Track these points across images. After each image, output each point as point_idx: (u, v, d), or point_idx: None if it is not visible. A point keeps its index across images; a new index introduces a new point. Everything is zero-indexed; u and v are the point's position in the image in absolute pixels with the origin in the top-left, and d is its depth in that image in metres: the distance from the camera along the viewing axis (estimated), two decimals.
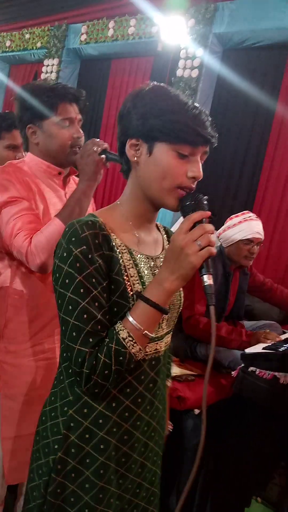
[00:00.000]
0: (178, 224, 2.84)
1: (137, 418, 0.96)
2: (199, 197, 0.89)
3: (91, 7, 4.95)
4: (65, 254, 0.86)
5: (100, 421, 0.92)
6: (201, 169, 0.90)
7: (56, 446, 0.93)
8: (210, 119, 0.89)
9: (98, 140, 1.35)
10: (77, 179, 1.59)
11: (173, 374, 1.38)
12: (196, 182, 0.90)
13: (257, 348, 1.91)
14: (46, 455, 0.95)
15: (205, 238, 0.82)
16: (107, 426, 0.92)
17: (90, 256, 0.85)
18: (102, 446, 0.92)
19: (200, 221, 0.84)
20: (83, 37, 5.06)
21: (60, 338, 0.95)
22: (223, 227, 2.36)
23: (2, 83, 6.30)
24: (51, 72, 5.37)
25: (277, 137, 3.82)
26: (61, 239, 0.89)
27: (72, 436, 0.92)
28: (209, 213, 0.87)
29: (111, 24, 4.79)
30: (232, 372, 1.94)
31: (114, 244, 0.90)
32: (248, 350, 1.89)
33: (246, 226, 2.25)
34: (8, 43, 5.94)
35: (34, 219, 1.31)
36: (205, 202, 0.89)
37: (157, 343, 0.96)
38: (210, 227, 0.84)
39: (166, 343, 1.01)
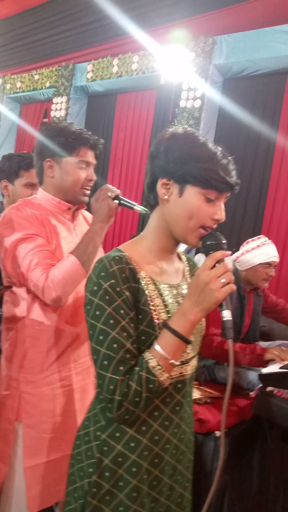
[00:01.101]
0: (197, 259, 2.92)
1: (166, 441, 1.00)
2: (220, 237, 0.98)
3: (96, 47, 5.20)
4: (95, 288, 0.93)
5: (132, 444, 0.97)
6: (223, 212, 0.99)
7: (90, 470, 0.98)
8: (235, 168, 0.98)
9: (111, 186, 1.47)
10: (85, 212, 1.69)
11: (192, 398, 1.44)
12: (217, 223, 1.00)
13: (274, 368, 1.96)
14: (81, 478, 1.00)
15: (228, 276, 0.90)
16: (138, 449, 0.97)
17: (118, 289, 0.92)
18: (134, 469, 0.96)
19: (221, 259, 0.93)
20: (89, 75, 5.30)
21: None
22: (240, 251, 2.44)
23: (13, 123, 6.57)
24: (60, 109, 5.60)
25: (280, 162, 3.94)
26: (92, 274, 0.96)
27: (105, 459, 0.97)
28: (229, 253, 0.97)
29: (115, 61, 5.02)
30: (251, 393, 1.98)
31: (139, 276, 0.97)
32: (265, 370, 1.94)
33: (264, 250, 2.35)
34: (18, 85, 6.23)
35: (49, 255, 1.41)
36: (224, 241, 0.98)
37: (182, 367, 1.01)
38: (230, 266, 0.92)
39: (192, 366, 1.06)
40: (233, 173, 0.97)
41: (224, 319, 0.93)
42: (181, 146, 0.97)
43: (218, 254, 0.93)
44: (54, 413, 1.50)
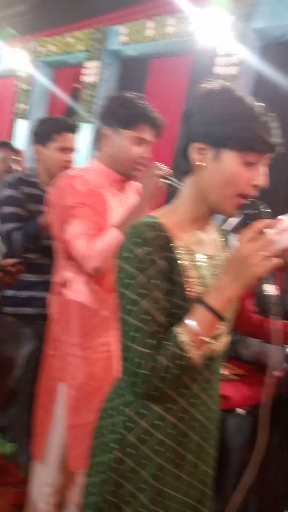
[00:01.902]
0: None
1: (193, 419, 0.98)
2: (261, 205, 0.90)
3: (130, 9, 5.00)
4: (127, 254, 0.88)
5: (157, 422, 0.94)
6: (266, 177, 0.91)
7: (113, 445, 0.97)
8: (277, 125, 0.89)
9: (161, 165, 1.46)
10: (137, 184, 1.68)
11: None
12: (257, 190, 0.91)
13: None
14: (103, 452, 1.00)
15: (270, 249, 0.83)
16: (164, 427, 0.94)
17: (151, 257, 0.87)
18: (159, 448, 0.94)
19: (262, 230, 0.85)
20: (123, 38, 5.13)
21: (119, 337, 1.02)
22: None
23: (46, 88, 6.48)
24: (93, 74, 5.48)
25: None
26: (124, 239, 0.91)
27: (129, 435, 0.95)
28: (273, 222, 0.89)
29: (150, 24, 4.82)
30: (277, 372, 1.97)
31: (174, 245, 0.91)
32: None
33: None
34: (51, 48, 6.10)
35: (95, 226, 1.44)
36: (266, 210, 0.89)
37: (213, 343, 0.96)
38: (274, 237, 0.84)
39: (223, 343, 1.02)
40: (274, 131, 0.88)
41: (268, 293, 0.86)
42: (216, 104, 0.89)
43: (259, 224, 0.85)
44: (95, 377, 1.55)
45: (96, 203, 1.48)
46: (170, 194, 1.63)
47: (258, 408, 2.02)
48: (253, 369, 2.13)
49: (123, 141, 1.48)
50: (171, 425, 0.96)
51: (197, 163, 0.92)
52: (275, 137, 0.89)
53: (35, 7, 5.99)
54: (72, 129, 1.98)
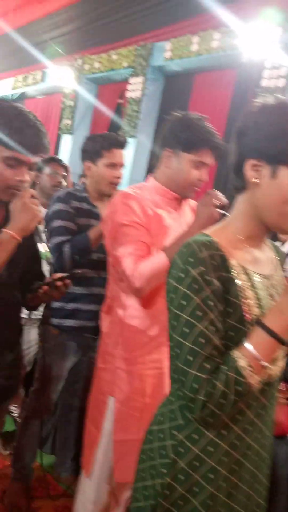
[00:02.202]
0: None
1: (247, 447, 0.93)
2: None
3: (175, 25, 5.04)
4: (182, 275, 0.85)
5: (211, 448, 0.89)
6: None
7: (164, 470, 0.92)
8: None
9: (220, 194, 1.43)
10: (191, 202, 1.67)
11: None
12: None
13: None
14: (152, 477, 0.95)
15: None
16: (217, 454, 0.89)
17: (208, 277, 0.84)
18: (211, 476, 0.90)
19: None
20: (168, 54, 5.18)
21: (170, 359, 0.97)
22: None
23: (90, 104, 6.63)
24: (136, 90, 5.55)
25: None
26: (177, 259, 0.88)
27: (181, 462, 0.91)
28: None
29: (195, 39, 4.84)
30: None
31: (230, 264, 0.88)
32: None
33: None
34: (96, 65, 6.25)
35: (145, 247, 1.44)
36: None
37: (271, 369, 0.92)
38: None
39: (279, 367, 0.97)
40: None
41: None
42: (272, 120, 0.85)
43: None
44: (144, 393, 1.51)
45: (150, 222, 1.48)
46: None
47: None
48: None
49: (183, 164, 1.48)
50: (224, 452, 0.91)
51: (252, 180, 0.89)
52: None
53: (81, 27, 6.18)
54: (121, 145, 1.99)
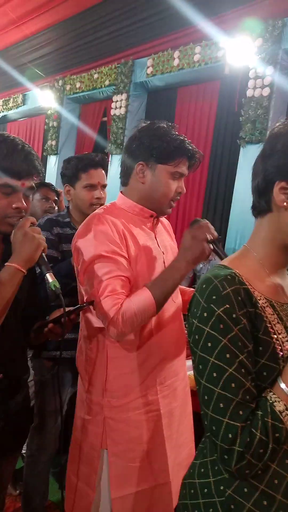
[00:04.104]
0: None
1: None
2: None
3: (156, 41, 5.06)
4: (206, 314, 0.79)
5: (265, 502, 0.80)
6: None
7: None
8: None
9: (212, 227, 1.32)
10: (164, 220, 1.57)
11: None
12: None
13: None
14: None
15: None
16: (272, 507, 0.80)
17: (234, 315, 0.78)
18: None
19: None
20: (149, 70, 5.17)
21: (200, 405, 0.88)
22: None
23: (73, 124, 6.60)
24: (120, 107, 5.52)
25: None
26: (198, 297, 0.82)
27: None
28: None
29: (176, 54, 4.85)
30: None
31: (255, 298, 0.82)
32: None
33: None
34: (78, 85, 6.23)
35: (125, 284, 1.30)
36: None
37: None
38: None
39: None
40: None
41: None
42: None
43: None
44: (142, 440, 1.38)
45: (128, 244, 1.35)
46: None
47: None
48: None
49: (160, 177, 1.36)
50: (281, 505, 0.80)
51: (283, 204, 0.83)
52: None
53: (61, 48, 6.17)
54: (98, 164, 1.90)
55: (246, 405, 0.76)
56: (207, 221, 1.33)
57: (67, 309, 1.22)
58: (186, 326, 0.87)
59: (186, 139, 1.38)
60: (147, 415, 1.38)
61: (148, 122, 1.45)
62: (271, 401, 0.76)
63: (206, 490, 0.86)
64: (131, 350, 1.36)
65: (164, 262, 1.42)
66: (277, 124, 0.86)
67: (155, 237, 1.45)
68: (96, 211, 1.44)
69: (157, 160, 1.36)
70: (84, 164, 1.89)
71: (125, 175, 1.45)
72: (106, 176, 2.00)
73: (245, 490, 0.81)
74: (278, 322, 0.83)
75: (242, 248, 0.92)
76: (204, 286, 0.81)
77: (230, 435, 0.75)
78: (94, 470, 1.39)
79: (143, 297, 1.26)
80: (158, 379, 1.40)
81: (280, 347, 0.80)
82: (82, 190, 1.90)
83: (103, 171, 1.95)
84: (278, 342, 0.80)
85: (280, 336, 0.81)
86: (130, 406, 1.37)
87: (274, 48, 4.02)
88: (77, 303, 1.74)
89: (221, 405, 0.76)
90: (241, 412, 0.75)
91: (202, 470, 0.88)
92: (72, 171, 1.91)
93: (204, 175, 4.85)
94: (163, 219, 1.58)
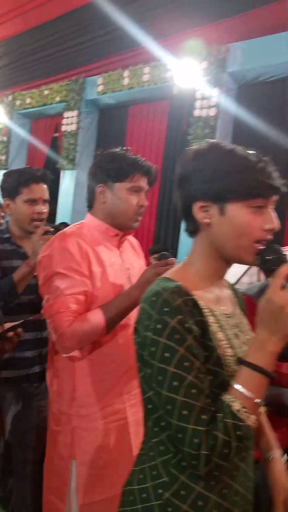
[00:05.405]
0: (232, 274, 2.78)
1: (234, 493, 0.88)
2: (279, 249, 0.86)
3: (106, 59, 5.17)
4: (159, 326, 0.81)
5: (200, 503, 0.84)
6: (276, 219, 0.88)
7: None
8: (276, 167, 0.88)
9: (171, 256, 1.37)
10: (132, 239, 1.63)
11: None
12: (272, 233, 0.88)
13: None
14: None
15: None
16: (207, 508, 0.84)
17: (187, 325, 0.81)
18: None
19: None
20: (100, 88, 5.27)
21: (144, 410, 0.91)
22: None
23: (23, 139, 6.55)
24: (71, 123, 5.56)
25: None
26: (149, 309, 0.84)
27: None
28: None
29: (126, 73, 4.97)
30: None
31: (201, 307, 0.86)
32: None
33: None
34: (28, 100, 6.22)
35: (80, 301, 1.33)
36: (284, 253, 0.86)
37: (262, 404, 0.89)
38: None
39: None
40: (274, 173, 0.86)
41: None
42: (209, 163, 0.88)
43: (284, 270, 0.81)
44: (110, 449, 1.39)
45: (91, 262, 1.39)
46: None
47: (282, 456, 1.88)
48: (269, 413, 2.00)
49: (120, 194, 1.44)
50: (214, 504, 0.85)
51: (204, 221, 0.90)
52: (276, 179, 0.87)
53: (10, 63, 6.16)
54: (39, 179, 1.86)
55: (208, 409, 0.79)
56: (170, 256, 1.38)
57: (9, 324, 1.23)
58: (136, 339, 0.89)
59: (139, 157, 1.47)
60: (114, 423, 1.40)
61: (105, 149, 1.53)
62: (227, 402, 0.79)
63: (144, 495, 0.88)
64: (99, 360, 1.39)
65: (129, 278, 1.47)
66: (185, 152, 0.93)
67: (121, 255, 1.51)
68: (64, 229, 1.48)
69: (114, 180, 1.43)
70: (25, 178, 1.86)
71: (90, 199, 1.52)
72: (55, 191, 1.99)
73: (183, 492, 0.84)
74: (219, 330, 0.88)
75: (182, 262, 0.97)
76: (153, 298, 0.84)
77: (196, 440, 0.77)
78: (64, 481, 1.40)
79: (94, 318, 1.31)
80: (126, 388, 1.43)
81: (223, 353, 0.85)
82: (23, 205, 1.85)
83: (44, 186, 1.92)
84: (220, 348, 0.85)
85: (221, 343, 0.86)
86: (98, 415, 1.39)
87: (218, 71, 4.23)
88: (28, 317, 1.73)
89: (185, 412, 0.78)
90: (204, 417, 0.78)
91: (141, 476, 0.90)
92: (12, 185, 1.86)
93: (155, 192, 4.96)
94: (132, 238, 1.64)
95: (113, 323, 1.34)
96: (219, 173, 0.86)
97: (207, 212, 0.89)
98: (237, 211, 0.86)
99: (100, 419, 1.39)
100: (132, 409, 1.44)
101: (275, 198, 0.88)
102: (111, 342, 1.39)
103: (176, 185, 0.93)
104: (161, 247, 4.56)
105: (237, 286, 2.65)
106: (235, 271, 2.63)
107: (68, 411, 1.40)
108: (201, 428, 0.77)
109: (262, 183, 0.85)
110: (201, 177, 0.88)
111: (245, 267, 2.57)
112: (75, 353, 1.36)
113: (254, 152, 0.89)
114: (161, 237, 4.98)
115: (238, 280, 2.46)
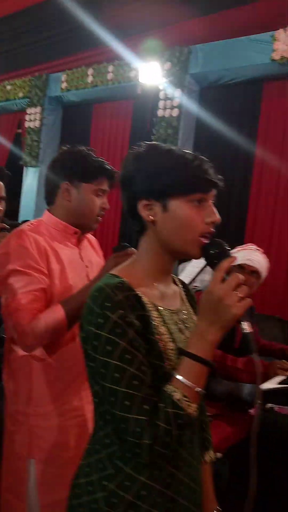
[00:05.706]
0: (183, 273, 2.82)
1: (179, 483, 0.91)
2: (222, 244, 0.91)
3: (70, 57, 5.13)
4: (101, 321, 0.84)
5: (144, 492, 0.87)
6: (216, 212, 0.92)
7: None
8: (211, 165, 0.93)
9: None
10: (91, 237, 1.64)
11: None
12: (214, 225, 0.93)
13: (273, 383, 1.90)
14: None
15: (243, 289, 0.83)
16: (151, 497, 0.87)
17: (128, 319, 0.84)
18: None
19: (230, 269, 0.86)
20: (64, 85, 5.22)
21: (94, 405, 0.93)
22: None
23: None
24: (35, 120, 5.49)
25: (260, 168, 3.94)
26: (91, 304, 0.86)
27: None
28: (235, 258, 0.89)
29: (90, 71, 4.96)
30: (250, 411, 1.92)
31: (144, 302, 0.89)
32: (263, 386, 1.87)
33: (240, 254, 2.15)
34: None
35: (39, 298, 1.34)
36: (227, 248, 0.90)
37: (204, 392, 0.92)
38: (241, 276, 0.85)
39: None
40: (211, 170, 0.92)
41: (246, 331, 0.85)
42: (149, 162, 0.93)
43: (225, 264, 0.86)
44: (69, 446, 1.40)
45: (49, 260, 1.39)
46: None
47: (234, 450, 1.95)
48: (226, 407, 2.07)
49: (85, 194, 1.46)
50: (158, 494, 0.88)
51: (149, 218, 0.93)
52: (212, 174, 0.92)
53: None
54: None
55: (150, 399, 0.82)
56: (131, 247, 1.41)
57: None
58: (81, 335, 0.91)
59: (104, 160, 1.50)
60: (73, 420, 1.41)
61: (68, 146, 1.53)
62: (169, 392, 0.83)
63: (90, 488, 0.91)
64: (56, 358, 1.40)
65: (87, 275, 1.49)
66: (126, 156, 0.97)
67: (79, 253, 1.52)
68: (21, 226, 1.47)
69: (82, 180, 1.45)
70: None
71: (50, 195, 1.52)
72: (18, 188, 1.96)
73: (127, 483, 0.87)
74: (162, 325, 0.91)
75: (130, 259, 1.01)
76: (96, 294, 0.87)
77: (138, 429, 0.80)
78: (22, 482, 1.39)
79: (55, 314, 1.31)
80: (84, 385, 1.41)
81: (164, 346, 0.89)
82: None
83: (1, 183, 1.92)
84: (162, 342, 0.89)
85: (163, 337, 0.90)
86: (56, 412, 1.39)
87: (181, 72, 4.29)
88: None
89: (127, 402, 0.81)
90: (146, 407, 0.81)
91: (87, 469, 0.93)
92: None
93: (118, 190, 4.97)
94: (91, 236, 1.66)
95: (74, 318, 1.33)
96: (159, 172, 0.91)
97: (151, 210, 0.92)
98: (179, 207, 0.90)
99: (57, 416, 1.39)
100: (91, 405, 1.46)
101: (213, 192, 0.93)
102: (68, 340, 1.40)
103: (120, 186, 0.97)
104: (125, 245, 4.57)
105: (196, 284, 2.71)
106: (191, 270, 2.71)
107: (25, 410, 1.40)
108: (143, 418, 0.80)
109: (199, 178, 0.90)
110: (143, 176, 0.92)
111: (200, 265, 2.64)
112: (37, 353, 1.37)
113: (191, 151, 0.94)
114: (126, 235, 5.01)
115: (194, 278, 2.52)
